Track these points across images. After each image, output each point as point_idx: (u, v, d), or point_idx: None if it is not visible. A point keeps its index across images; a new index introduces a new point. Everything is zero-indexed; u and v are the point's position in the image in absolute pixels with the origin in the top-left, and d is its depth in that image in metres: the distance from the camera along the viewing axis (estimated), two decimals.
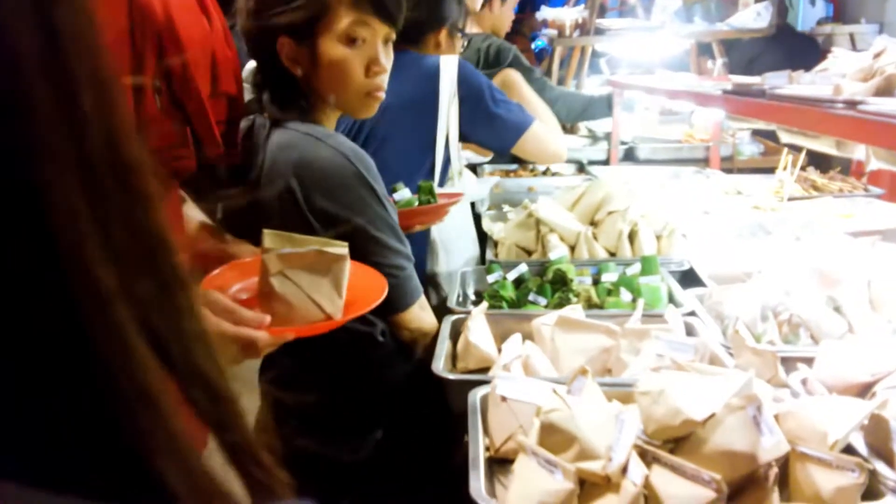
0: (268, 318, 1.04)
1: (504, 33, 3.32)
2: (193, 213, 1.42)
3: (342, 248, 1.13)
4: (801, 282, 1.67)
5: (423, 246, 2.11)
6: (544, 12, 4.26)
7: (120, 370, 0.30)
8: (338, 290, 1.13)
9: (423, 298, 1.56)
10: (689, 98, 2.54)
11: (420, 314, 1.55)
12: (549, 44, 4.75)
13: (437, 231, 2.15)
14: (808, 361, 1.35)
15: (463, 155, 2.32)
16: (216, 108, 1.21)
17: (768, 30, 3.89)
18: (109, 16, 0.99)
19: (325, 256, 1.11)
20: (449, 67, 2.08)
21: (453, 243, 2.22)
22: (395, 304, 1.48)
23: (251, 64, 1.69)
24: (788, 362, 1.35)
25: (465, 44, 2.79)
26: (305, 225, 1.40)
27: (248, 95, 1.93)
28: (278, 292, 1.09)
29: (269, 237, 1.11)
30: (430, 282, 2.17)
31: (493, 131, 2.17)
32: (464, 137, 2.19)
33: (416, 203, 1.84)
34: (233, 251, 1.34)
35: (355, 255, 1.19)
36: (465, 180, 2.83)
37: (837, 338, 1.46)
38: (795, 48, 4.28)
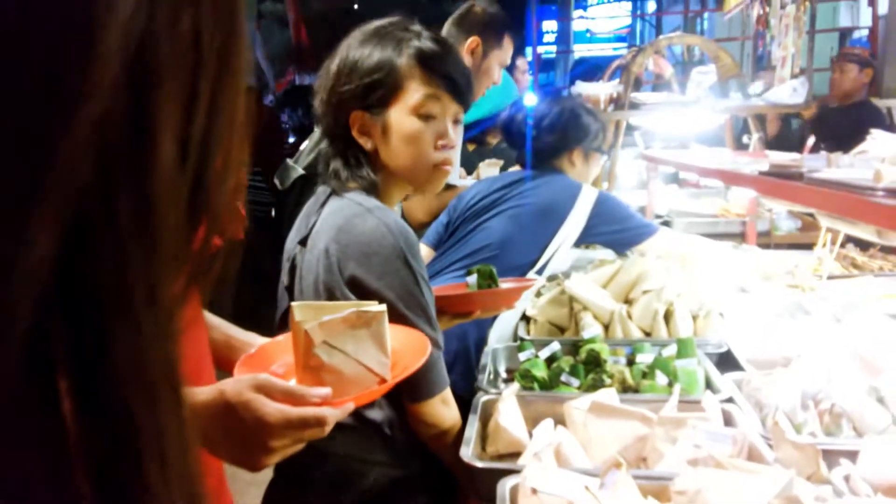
0: (330, 392, 0.99)
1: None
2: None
3: (378, 306, 1.10)
4: (842, 368, 1.62)
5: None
6: (578, 87, 4.30)
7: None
8: (383, 350, 1.10)
9: (447, 392, 1.48)
10: (723, 178, 2.53)
11: (440, 409, 1.46)
12: None
13: None
14: (851, 455, 1.31)
15: None
16: None
17: (805, 105, 3.88)
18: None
19: (365, 316, 1.08)
20: (588, 196, 2.45)
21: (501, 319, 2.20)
22: (414, 391, 1.42)
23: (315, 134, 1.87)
24: (830, 455, 1.30)
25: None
26: (339, 290, 1.40)
27: (310, 157, 2.05)
28: (327, 363, 1.06)
29: (298, 309, 1.08)
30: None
31: (619, 240, 2.55)
32: (587, 241, 2.56)
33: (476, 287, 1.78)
34: (240, 344, 1.30)
35: None
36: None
37: (880, 431, 1.41)
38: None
